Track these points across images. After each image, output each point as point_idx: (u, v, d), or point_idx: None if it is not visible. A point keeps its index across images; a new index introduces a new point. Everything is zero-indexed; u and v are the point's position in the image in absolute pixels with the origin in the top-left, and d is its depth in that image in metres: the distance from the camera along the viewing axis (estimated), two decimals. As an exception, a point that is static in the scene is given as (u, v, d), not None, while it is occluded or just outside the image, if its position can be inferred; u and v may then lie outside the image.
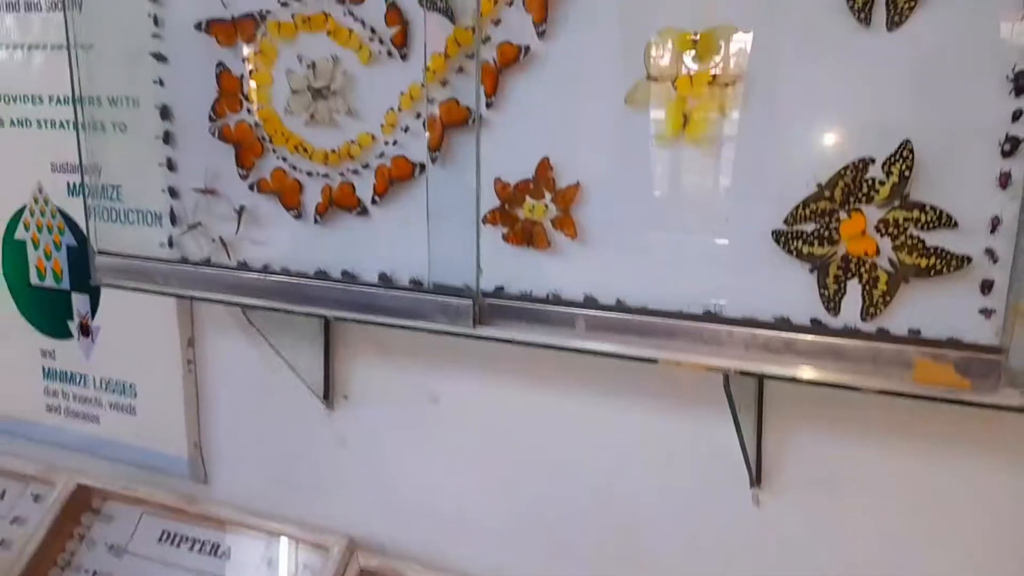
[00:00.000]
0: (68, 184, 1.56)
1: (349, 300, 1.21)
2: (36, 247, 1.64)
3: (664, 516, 1.20)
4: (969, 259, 0.86)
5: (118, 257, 1.37)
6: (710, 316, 0.95)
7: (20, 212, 1.64)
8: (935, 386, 0.82)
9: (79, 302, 1.62)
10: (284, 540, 1.44)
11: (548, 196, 1.07)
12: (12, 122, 1.59)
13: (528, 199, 1.09)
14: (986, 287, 0.86)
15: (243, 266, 1.32)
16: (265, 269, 1.30)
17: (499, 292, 1.10)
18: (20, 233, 1.65)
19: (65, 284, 1.62)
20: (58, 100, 1.53)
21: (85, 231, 1.54)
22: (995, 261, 0.85)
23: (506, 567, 1.32)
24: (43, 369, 1.71)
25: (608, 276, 1.03)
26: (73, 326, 1.64)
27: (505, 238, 1.11)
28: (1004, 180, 0.83)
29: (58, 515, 1.57)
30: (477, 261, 1.09)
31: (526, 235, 1.10)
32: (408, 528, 1.40)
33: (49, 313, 1.66)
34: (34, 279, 1.66)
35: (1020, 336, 0.82)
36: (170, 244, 1.38)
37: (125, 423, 1.63)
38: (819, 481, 1.07)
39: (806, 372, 0.88)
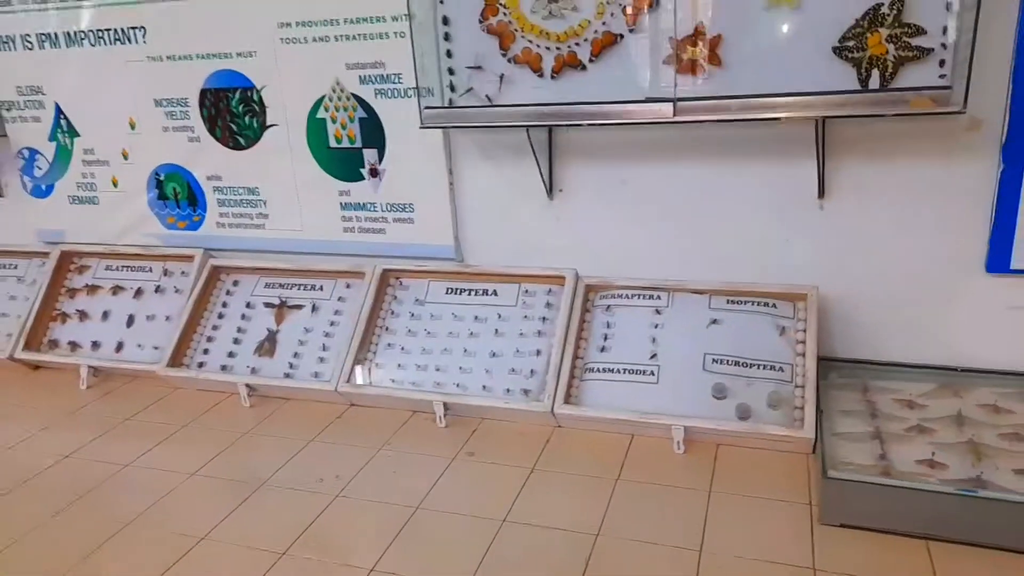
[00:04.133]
0: (359, 76, 2.41)
1: (577, 114, 2.09)
2: (334, 122, 2.50)
3: (756, 222, 2.16)
4: (932, 50, 1.76)
5: (434, 110, 2.23)
6: (803, 93, 1.85)
7: (320, 100, 2.49)
8: (920, 107, 1.75)
9: (369, 155, 2.50)
10: (532, 281, 2.40)
11: (701, 45, 1.95)
12: (313, 39, 2.42)
13: (688, 47, 1.96)
14: (942, 63, 1.77)
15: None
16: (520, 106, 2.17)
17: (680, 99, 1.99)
18: (320, 113, 2.51)
19: (358, 144, 2.49)
20: (346, 20, 2.35)
21: (373, 107, 2.41)
22: (945, 48, 1.76)
23: (675, 277, 2.27)
24: (340, 203, 2.61)
25: (742, 85, 1.92)
26: (364, 171, 2.53)
27: (676, 71, 1.99)
28: (948, 5, 1.73)
29: (376, 289, 2.51)
30: (675, 80, 1.97)
31: (689, 67, 1.98)
32: (607, 266, 2.34)
33: (344, 166, 2.55)
34: (332, 143, 2.53)
35: (958, 83, 1.74)
36: (449, 105, 2.25)
37: (405, 230, 2.55)
38: (857, 190, 2.04)
39: (856, 110, 1.80)
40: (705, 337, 2.15)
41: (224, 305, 2.73)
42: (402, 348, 2.40)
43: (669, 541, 1.67)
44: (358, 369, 2.38)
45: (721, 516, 1.74)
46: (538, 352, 2.27)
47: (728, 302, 2.19)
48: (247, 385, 2.45)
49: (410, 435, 2.20)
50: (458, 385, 2.28)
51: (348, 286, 2.61)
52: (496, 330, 2.34)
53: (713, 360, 2.10)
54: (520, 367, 2.25)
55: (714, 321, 2.16)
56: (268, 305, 2.66)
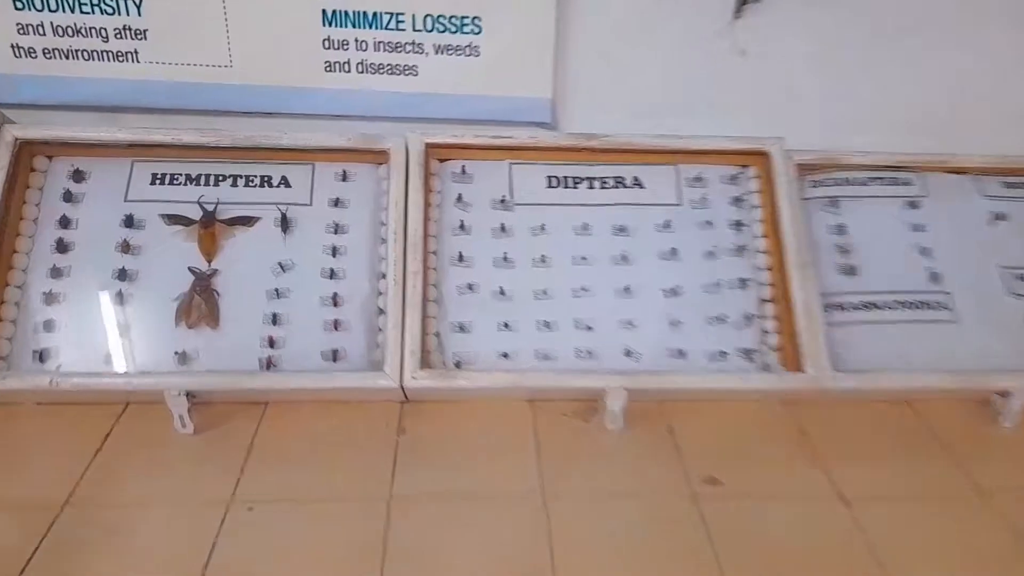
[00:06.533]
0: None
1: None
2: None
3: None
4: None
5: None
6: None
7: None
8: None
9: (398, -91, 1.23)
10: (702, 159, 1.43)
11: None
12: None
13: None
14: None
15: None
16: None
17: None
18: None
19: None
20: None
21: None
22: None
23: (927, 148, 1.47)
24: (323, 14, 1.31)
25: None
26: (385, -54, 1.26)
27: None
28: None
29: (421, 180, 1.33)
30: None
31: None
32: (821, 132, 1.44)
33: (339, -69, 1.25)
34: None
35: None
36: None
37: (461, 69, 1.37)
38: None
39: None
40: (991, 241, 1.42)
41: (64, 224, 1.33)
42: (500, 291, 1.32)
43: None
44: (428, 339, 1.27)
45: None
46: (743, 283, 1.36)
47: (1004, 185, 1.47)
48: (188, 394, 1.20)
49: (565, 452, 1.19)
50: (629, 354, 1.30)
51: (344, 177, 1.39)
52: (673, 250, 1.36)
53: (1015, 277, 1.40)
54: (727, 313, 1.34)
55: (997, 217, 1.44)
56: (175, 220, 1.34)
